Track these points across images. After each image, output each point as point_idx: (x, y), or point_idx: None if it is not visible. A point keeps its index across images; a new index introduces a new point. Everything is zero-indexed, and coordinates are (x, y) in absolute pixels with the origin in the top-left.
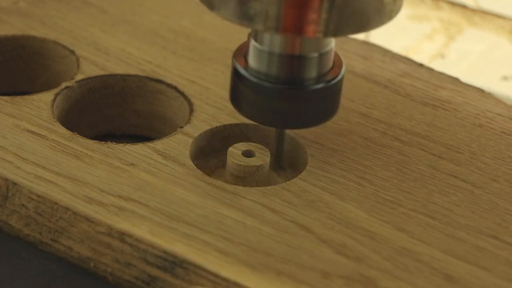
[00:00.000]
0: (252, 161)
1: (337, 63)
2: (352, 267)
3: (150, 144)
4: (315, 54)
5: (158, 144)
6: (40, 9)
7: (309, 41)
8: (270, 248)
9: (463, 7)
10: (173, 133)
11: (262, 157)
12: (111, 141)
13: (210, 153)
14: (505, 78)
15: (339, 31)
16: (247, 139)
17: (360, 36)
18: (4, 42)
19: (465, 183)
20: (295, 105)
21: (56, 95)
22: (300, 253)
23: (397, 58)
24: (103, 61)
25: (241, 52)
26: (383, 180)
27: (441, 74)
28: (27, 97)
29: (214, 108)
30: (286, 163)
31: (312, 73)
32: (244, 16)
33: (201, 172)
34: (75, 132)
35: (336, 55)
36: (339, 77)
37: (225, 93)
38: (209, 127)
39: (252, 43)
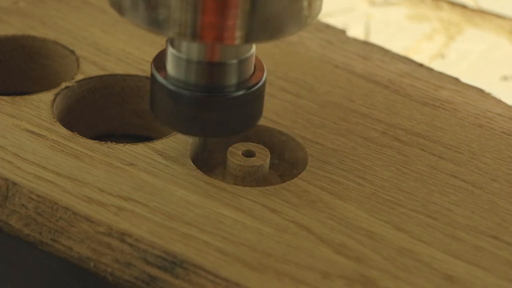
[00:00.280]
0: (252, 161)
1: (259, 68)
2: (352, 267)
3: (150, 144)
4: (234, 61)
5: (158, 144)
6: (40, 9)
7: (227, 47)
8: (270, 248)
9: (463, 7)
10: (173, 133)
11: (262, 157)
12: (111, 141)
13: (210, 153)
14: (505, 78)
15: (252, 38)
16: (247, 139)
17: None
18: (4, 42)
19: (465, 183)
20: (216, 113)
21: (56, 95)
22: (300, 253)
23: (397, 58)
24: (103, 61)
25: (160, 59)
26: (383, 180)
27: (441, 74)
28: (27, 97)
29: None
30: (285, 163)
31: (232, 80)
32: (154, 23)
33: (201, 172)
34: (75, 132)
35: (257, 59)
36: (260, 83)
37: None
38: None
39: (170, 49)
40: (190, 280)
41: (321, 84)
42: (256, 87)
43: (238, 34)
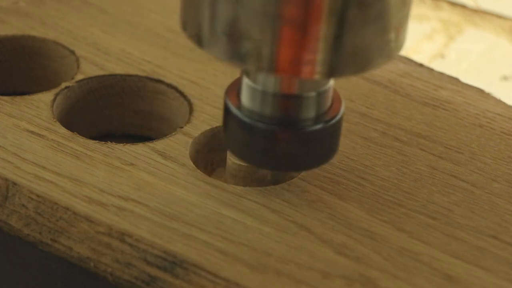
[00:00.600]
0: None
1: (336, 100)
2: (352, 267)
3: (150, 144)
4: (313, 93)
5: (158, 144)
6: (40, 9)
7: (306, 80)
8: (270, 248)
9: (463, 7)
10: (173, 133)
11: None
12: (111, 141)
13: (210, 153)
14: (505, 78)
15: (338, 72)
16: None
17: None
18: (4, 42)
19: (465, 183)
20: (292, 148)
21: (56, 95)
22: (300, 253)
23: (397, 58)
24: (103, 61)
25: (234, 89)
26: (383, 180)
27: (441, 74)
28: (27, 97)
29: (214, 108)
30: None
31: (310, 113)
32: (235, 56)
33: (201, 172)
34: (75, 132)
35: (335, 91)
36: (338, 116)
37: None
38: (209, 127)
39: (245, 80)
40: (190, 280)
41: None
42: (334, 120)
43: (320, 69)
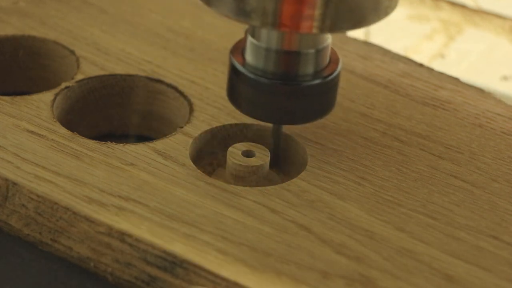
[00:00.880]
0: (252, 161)
1: (334, 59)
2: (352, 267)
3: (150, 144)
4: (312, 50)
5: (158, 144)
6: (40, 9)
7: (306, 37)
8: (270, 248)
9: (463, 7)
10: (173, 133)
11: (262, 157)
12: (111, 141)
13: (210, 153)
14: (505, 78)
15: (336, 27)
16: (247, 139)
17: (360, 36)
18: (4, 42)
19: (465, 183)
20: (292, 101)
21: (56, 95)
22: (300, 253)
23: (397, 58)
24: (103, 61)
25: (238, 48)
26: (383, 180)
27: (441, 74)
28: (27, 97)
29: (214, 108)
30: (285, 163)
31: (309, 69)
32: (241, 12)
33: (201, 172)
34: (75, 132)
35: (333, 51)
36: (335, 73)
37: (225, 93)
38: (209, 127)
39: (249, 39)
40: (190, 280)
41: None
42: (331, 77)
43: (320, 24)
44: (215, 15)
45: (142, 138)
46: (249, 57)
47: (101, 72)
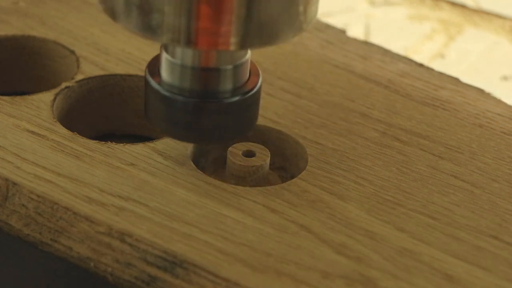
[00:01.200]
0: (252, 161)
1: (254, 73)
2: (352, 267)
3: (150, 144)
4: (230, 66)
5: (158, 144)
6: (40, 9)
7: (222, 53)
8: (270, 248)
9: (463, 7)
10: None
11: (262, 157)
12: (111, 141)
13: (210, 153)
14: (505, 78)
15: (246, 44)
16: (247, 139)
17: (360, 36)
18: (4, 42)
19: (465, 183)
20: (211, 120)
21: (56, 95)
22: (300, 253)
23: (397, 58)
24: (103, 61)
25: (154, 64)
26: (383, 180)
27: (441, 74)
28: (27, 97)
29: None
30: (285, 163)
31: (228, 85)
32: (147, 29)
33: (201, 172)
34: (75, 132)
35: (253, 64)
36: (256, 89)
37: None
38: None
39: (164, 55)
40: (190, 280)
41: (321, 84)
42: (251, 92)
43: (233, 40)
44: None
45: (142, 138)
46: (164, 73)
47: (101, 72)
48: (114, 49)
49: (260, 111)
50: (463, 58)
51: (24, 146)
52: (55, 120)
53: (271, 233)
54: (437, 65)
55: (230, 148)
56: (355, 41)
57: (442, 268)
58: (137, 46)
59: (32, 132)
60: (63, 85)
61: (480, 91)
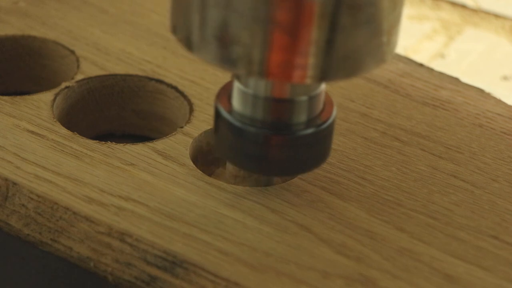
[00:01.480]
0: None
1: (328, 103)
2: (352, 267)
3: (150, 144)
4: (304, 98)
5: (158, 144)
6: (40, 9)
7: (297, 84)
8: (270, 248)
9: (463, 7)
10: (173, 133)
11: None
12: (111, 141)
13: (210, 153)
14: (505, 78)
15: (329, 76)
16: None
17: None
18: (4, 42)
19: (465, 183)
20: (283, 152)
21: (56, 95)
22: (300, 253)
23: (397, 58)
24: (103, 61)
25: (225, 92)
26: (383, 180)
27: (441, 74)
28: (27, 97)
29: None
30: None
31: (302, 117)
32: (226, 61)
33: (201, 172)
34: (75, 132)
35: (327, 94)
36: (330, 120)
37: None
38: (209, 127)
39: (236, 84)
40: (190, 280)
41: None
42: (326, 124)
43: (312, 73)
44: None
45: (142, 138)
46: (236, 103)
47: (101, 72)
48: (114, 49)
49: None
50: (463, 58)
51: (24, 146)
52: (55, 120)
53: (271, 233)
54: (437, 65)
55: None
56: None
57: (442, 268)
58: (137, 46)
59: (32, 132)
60: (63, 85)
61: (480, 91)
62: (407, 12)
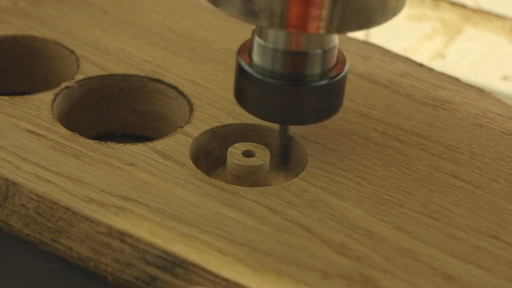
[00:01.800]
0: (252, 161)
1: (341, 60)
2: (352, 267)
3: (150, 144)
4: (319, 51)
5: (158, 144)
6: (40, 9)
7: (313, 37)
8: (270, 248)
9: (463, 7)
10: (173, 133)
11: (262, 157)
12: (111, 141)
13: (210, 153)
14: (505, 78)
15: (343, 27)
16: (247, 139)
17: (360, 36)
18: (4, 42)
19: (465, 183)
20: (299, 102)
21: (56, 95)
22: (300, 253)
23: (397, 58)
24: (103, 61)
25: (245, 49)
26: (383, 180)
27: (441, 74)
28: (27, 97)
29: (214, 108)
30: (285, 163)
31: (316, 69)
32: (249, 13)
33: (201, 172)
34: (75, 132)
35: (340, 52)
36: (342, 74)
37: (225, 93)
38: (209, 127)
39: (256, 39)
40: (190, 280)
41: None
42: (338, 77)
43: (327, 24)
44: (215, 15)
45: (142, 138)
46: (256, 57)
47: (101, 72)
48: (114, 49)
49: None
50: (463, 58)
51: (24, 146)
52: (55, 120)
53: (271, 233)
54: (437, 65)
55: (230, 148)
56: (355, 41)
57: (442, 268)
58: (137, 46)
59: (32, 132)
60: (63, 85)
61: (480, 91)
62: (407, 12)
